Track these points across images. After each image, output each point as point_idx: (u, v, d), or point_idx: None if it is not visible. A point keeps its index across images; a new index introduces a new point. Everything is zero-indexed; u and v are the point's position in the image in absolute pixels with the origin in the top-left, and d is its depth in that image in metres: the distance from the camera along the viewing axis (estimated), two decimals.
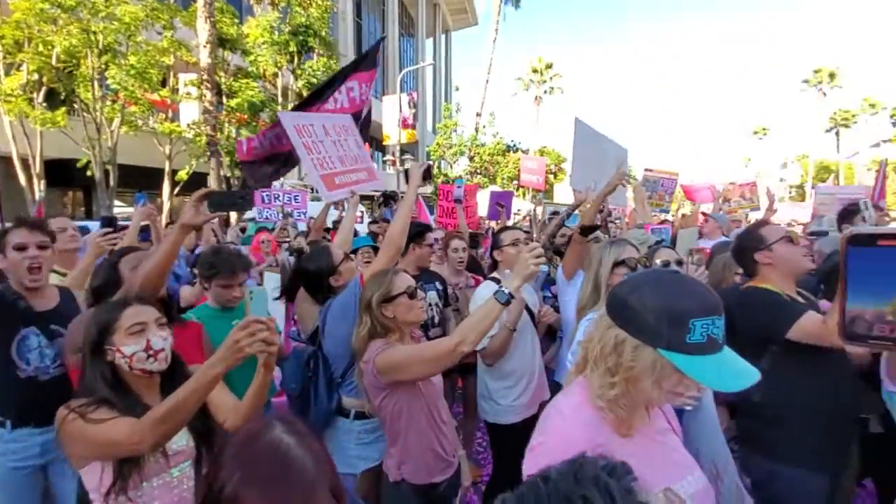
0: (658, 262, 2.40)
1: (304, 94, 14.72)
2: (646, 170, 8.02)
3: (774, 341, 1.85)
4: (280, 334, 2.14)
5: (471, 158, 26.36)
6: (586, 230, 2.76)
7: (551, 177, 29.73)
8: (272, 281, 3.11)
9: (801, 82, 35.72)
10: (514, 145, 31.57)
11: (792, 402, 1.82)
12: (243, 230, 8.00)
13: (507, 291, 1.54)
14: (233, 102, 13.29)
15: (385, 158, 24.81)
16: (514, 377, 2.43)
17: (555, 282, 3.43)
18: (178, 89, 13.64)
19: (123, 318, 1.33)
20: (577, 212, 3.94)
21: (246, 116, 13.59)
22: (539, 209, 8.29)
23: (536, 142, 36.95)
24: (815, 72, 34.37)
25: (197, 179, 13.31)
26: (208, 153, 13.10)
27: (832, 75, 33.77)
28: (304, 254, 2.54)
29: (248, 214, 10.32)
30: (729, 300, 2.01)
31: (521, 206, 13.64)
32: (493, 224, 7.21)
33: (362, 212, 13.29)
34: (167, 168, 13.46)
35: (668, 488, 0.89)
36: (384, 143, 25.66)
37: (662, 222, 5.90)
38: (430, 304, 2.92)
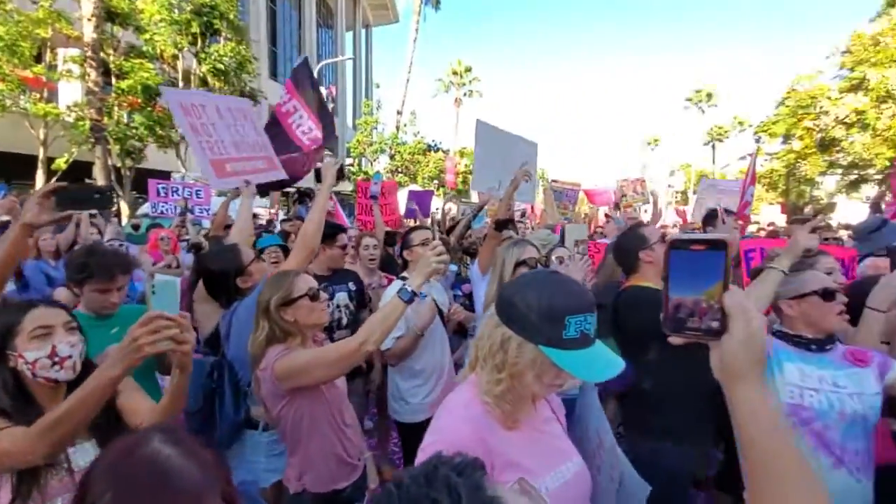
0: (554, 258, 2.60)
1: (210, 79, 13.65)
2: (552, 181, 8.65)
3: (660, 335, 2.11)
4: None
5: (391, 157, 26.22)
6: (501, 225, 2.89)
7: (471, 177, 30.40)
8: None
9: (685, 100, 40.41)
10: (436, 145, 31.90)
11: (672, 388, 2.02)
12: (135, 227, 7.25)
13: (409, 289, 1.55)
14: (123, 84, 11.94)
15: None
16: (423, 376, 2.46)
17: (466, 280, 3.56)
18: (56, 66, 11.97)
19: (26, 321, 1.21)
20: (481, 213, 4.06)
21: (140, 100, 12.27)
22: (450, 206, 8.55)
23: (457, 143, 37.60)
24: (696, 91, 39.10)
25: (79, 169, 11.80)
26: (92, 139, 11.65)
27: (709, 95, 38.70)
28: (201, 250, 2.38)
29: (143, 209, 9.32)
30: (617, 299, 2.19)
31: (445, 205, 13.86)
32: (411, 223, 7.28)
33: (277, 210, 12.66)
34: (41, 155, 11.75)
35: (522, 478, 0.98)
36: None
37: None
38: (337, 306, 2.89)
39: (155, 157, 13.81)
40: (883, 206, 4.51)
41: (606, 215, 6.48)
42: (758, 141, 20.20)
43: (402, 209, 7.98)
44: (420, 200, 8.07)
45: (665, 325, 0.71)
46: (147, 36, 12.70)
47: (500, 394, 1.03)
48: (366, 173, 23.20)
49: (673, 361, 2.03)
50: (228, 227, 3.77)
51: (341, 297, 2.93)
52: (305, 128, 3.86)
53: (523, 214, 8.69)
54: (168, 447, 0.71)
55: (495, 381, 1.03)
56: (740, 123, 33.96)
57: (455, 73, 38.50)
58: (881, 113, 15.04)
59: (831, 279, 2.12)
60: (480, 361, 1.08)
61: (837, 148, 15.62)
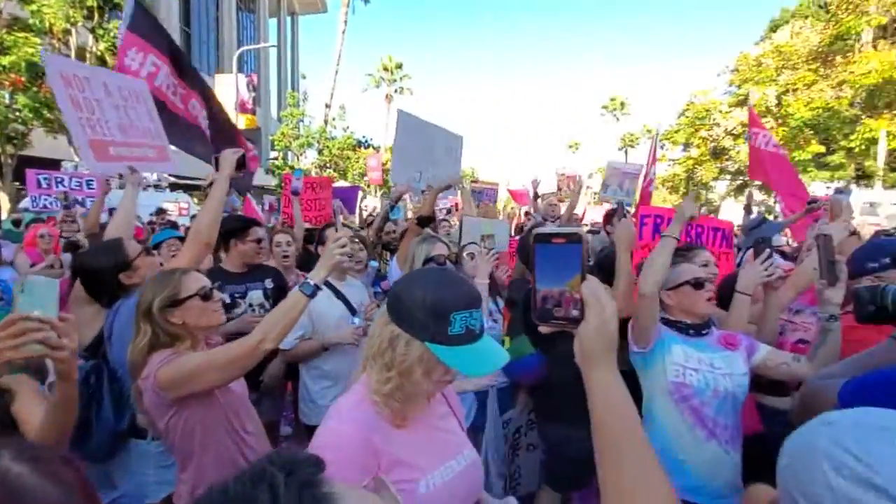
0: (465, 255, 2.69)
1: (109, 58, 12.35)
2: (472, 181, 8.87)
3: None
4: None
5: (319, 151, 25.35)
6: (423, 221, 2.91)
7: None
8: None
9: (601, 108, 43.29)
10: (366, 141, 31.35)
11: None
12: (17, 223, 6.41)
13: (312, 283, 1.50)
14: (5, 60, 10.48)
15: None
16: (333, 377, 2.41)
17: (385, 277, 3.57)
18: None
19: None
20: (399, 205, 4.05)
21: (24, 79, 10.83)
22: (367, 203, 8.53)
23: (389, 139, 37.11)
24: (612, 100, 42.03)
25: None
26: None
27: (623, 104, 41.78)
28: (79, 248, 2.18)
29: (23, 203, 8.23)
30: (526, 296, 2.22)
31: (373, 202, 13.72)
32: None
33: (188, 203, 11.76)
34: None
35: (378, 477, 0.97)
36: None
37: None
38: (251, 305, 2.77)
39: (42, 144, 12.27)
40: (753, 209, 5.15)
41: (527, 213, 6.70)
42: (662, 147, 22.23)
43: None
44: (345, 197, 7.93)
45: (534, 316, 0.74)
46: (34, 7, 11.23)
47: (389, 392, 1.03)
48: (291, 167, 22.26)
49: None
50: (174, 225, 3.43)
51: (255, 295, 2.79)
52: (173, 88, 3.48)
53: (449, 211, 8.82)
54: (19, 464, 0.64)
55: (384, 379, 1.03)
56: (648, 131, 37.08)
57: (386, 68, 38.08)
58: (766, 126, 17.07)
59: (706, 271, 2.36)
60: (370, 360, 1.07)
61: (727, 156, 17.56)
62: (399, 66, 38.93)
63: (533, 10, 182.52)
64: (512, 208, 10.68)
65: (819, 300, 1.90)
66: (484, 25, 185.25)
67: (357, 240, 2.96)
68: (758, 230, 4.38)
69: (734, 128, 17.21)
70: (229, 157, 2.17)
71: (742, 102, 17.87)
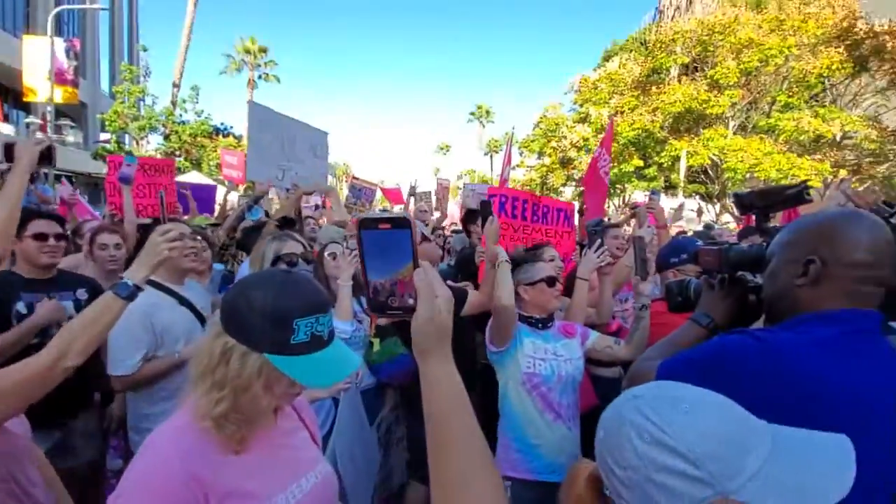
0: (327, 254, 2.63)
1: None
2: (353, 178, 8.63)
3: (458, 324, 2.31)
4: None
5: (166, 137, 22.24)
6: (285, 223, 2.78)
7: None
8: None
9: (469, 114, 45.89)
10: (225, 128, 28.53)
11: None
12: None
13: (130, 283, 1.25)
14: None
15: (29, 120, 18.21)
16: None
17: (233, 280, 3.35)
18: None
19: None
20: (258, 205, 3.83)
21: None
22: (233, 196, 7.85)
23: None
24: (478, 107, 44.75)
25: None
26: None
27: (488, 112, 44.79)
28: None
29: None
30: None
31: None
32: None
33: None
34: None
35: None
36: (26, 100, 18.89)
37: None
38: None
39: None
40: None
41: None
42: (521, 155, 24.50)
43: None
44: (201, 196, 7.06)
45: (369, 307, 0.71)
46: None
47: (222, 414, 0.91)
48: (129, 153, 19.21)
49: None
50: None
51: (67, 306, 2.39)
52: None
53: (317, 207, 8.43)
54: None
55: (215, 400, 0.91)
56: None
57: (248, 51, 35.03)
58: (598, 141, 19.79)
59: (554, 265, 2.57)
60: (197, 380, 0.94)
61: (572, 165, 20.03)
62: (263, 51, 36.15)
63: (406, 10, 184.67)
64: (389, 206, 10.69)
65: (634, 292, 2.21)
66: (361, 21, 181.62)
67: (199, 237, 2.65)
68: (598, 231, 5.17)
69: (577, 141, 19.70)
70: (29, 147, 1.73)
71: (584, 119, 20.51)
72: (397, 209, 10.04)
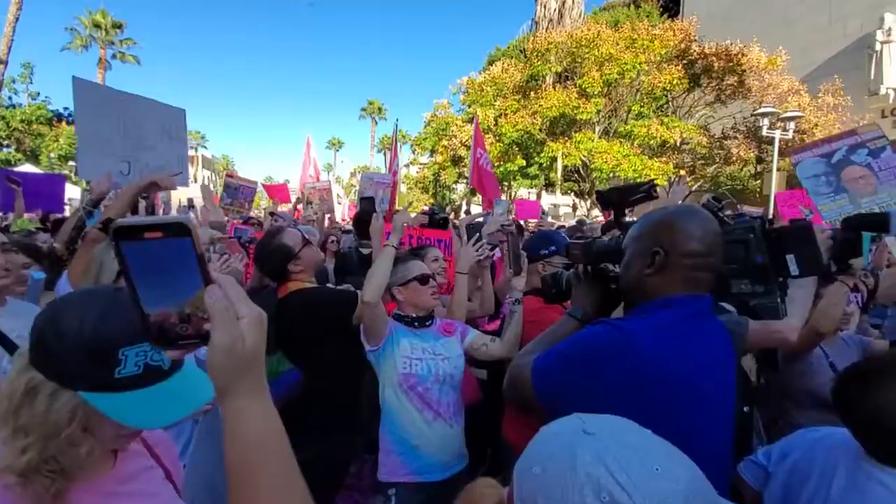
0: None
1: None
2: (227, 175, 7.91)
3: (323, 336, 2.16)
4: None
5: None
6: (110, 226, 2.44)
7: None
8: None
9: (360, 110, 45.10)
10: (70, 114, 24.32)
11: (332, 386, 2.19)
12: None
13: None
14: None
15: None
16: None
17: None
18: None
19: None
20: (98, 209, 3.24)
21: None
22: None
23: None
24: (370, 103, 44.17)
25: None
26: None
27: (380, 109, 44.43)
28: None
29: None
30: (279, 309, 2.07)
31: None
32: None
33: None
34: None
35: None
36: None
37: (246, 222, 5.93)
38: None
39: None
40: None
41: (271, 213, 6.24)
42: (413, 153, 24.84)
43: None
44: (38, 190, 5.96)
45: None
46: None
47: (30, 466, 0.75)
48: None
49: (337, 361, 2.15)
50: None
51: None
52: None
53: (191, 205, 7.56)
54: None
55: (19, 449, 0.75)
56: (403, 136, 40.54)
57: (97, 25, 30.42)
58: (486, 141, 20.79)
59: (437, 265, 2.61)
60: None
61: (463, 163, 20.81)
62: (118, 27, 31.70)
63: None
64: (273, 203, 9.97)
65: (508, 287, 2.31)
66: (245, 6, 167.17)
67: (16, 249, 2.14)
68: (473, 227, 5.44)
69: (467, 140, 20.52)
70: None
71: (471, 119, 21.42)
72: (283, 209, 9.39)
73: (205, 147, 51.90)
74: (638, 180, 17.21)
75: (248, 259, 3.23)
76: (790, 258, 1.07)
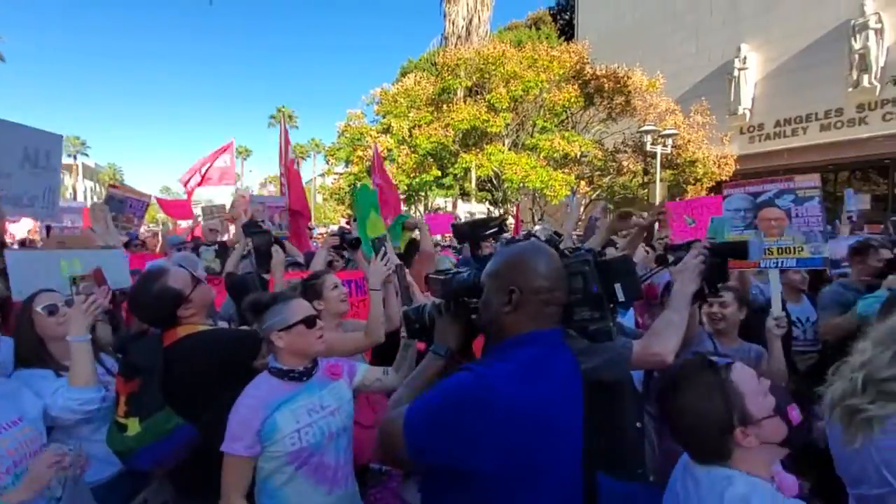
0: (39, 309, 2.07)
1: None
2: (110, 186, 7.06)
3: (218, 381, 1.92)
4: None
5: None
6: None
7: None
8: None
9: (269, 117, 43.17)
10: None
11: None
12: None
13: None
14: None
15: None
16: None
17: None
18: None
19: None
20: None
21: None
22: None
23: None
24: (279, 110, 42.40)
25: None
26: None
27: (291, 116, 42.84)
28: None
29: None
30: (168, 356, 1.84)
31: None
32: None
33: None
34: None
35: None
36: None
37: (127, 245, 5.44)
38: None
39: None
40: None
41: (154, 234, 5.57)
42: (327, 163, 24.26)
43: None
44: None
45: None
46: None
47: None
48: None
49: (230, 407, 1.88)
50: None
51: None
52: None
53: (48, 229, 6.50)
54: None
55: None
56: (316, 145, 39.46)
57: None
58: (401, 152, 20.96)
59: (338, 293, 2.44)
60: None
61: None
62: None
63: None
64: (171, 223, 8.98)
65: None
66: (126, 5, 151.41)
67: None
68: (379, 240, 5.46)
69: (382, 151, 20.53)
70: None
71: (386, 130, 21.47)
72: (184, 225, 8.58)
73: (86, 155, 46.21)
74: (545, 191, 18.41)
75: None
76: (617, 287, 1.19)
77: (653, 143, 15.99)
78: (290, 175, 6.28)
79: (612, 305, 1.21)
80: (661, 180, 16.25)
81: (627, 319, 2.77)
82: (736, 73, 20.24)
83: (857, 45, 16.98)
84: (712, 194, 18.54)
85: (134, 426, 1.76)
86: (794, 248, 2.54)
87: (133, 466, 1.86)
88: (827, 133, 18.23)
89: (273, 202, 5.78)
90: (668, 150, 16.22)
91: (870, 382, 1.28)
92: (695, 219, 4.14)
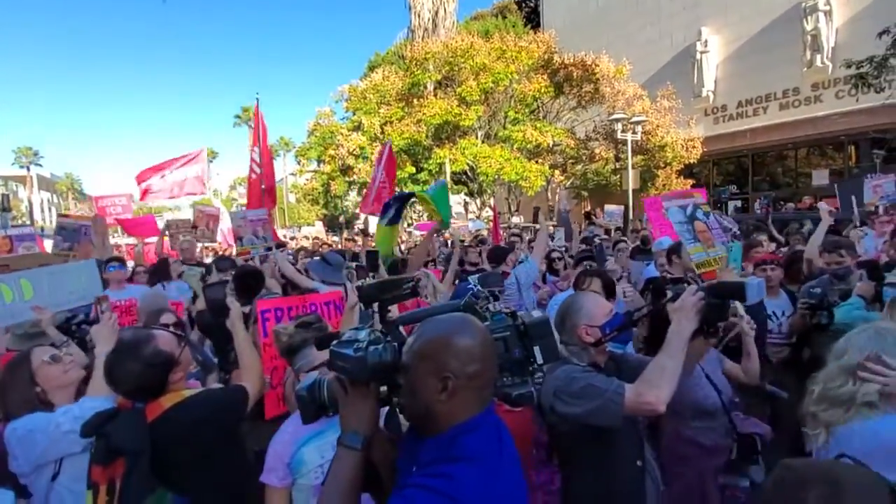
0: (45, 359, 2.01)
1: None
2: (59, 215, 6.60)
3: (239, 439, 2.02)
4: None
5: None
6: None
7: None
8: None
9: (234, 117, 41.88)
10: None
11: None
12: None
13: None
14: None
15: None
16: None
17: None
18: None
19: None
20: None
21: None
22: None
23: None
24: (245, 110, 41.18)
25: None
26: None
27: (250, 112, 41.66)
28: None
29: None
30: (165, 427, 1.69)
31: None
32: None
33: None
34: None
35: None
36: None
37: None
38: None
39: None
40: None
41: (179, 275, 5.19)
42: (298, 163, 23.83)
43: None
44: None
45: None
46: None
47: None
48: None
49: (232, 480, 1.84)
50: None
51: None
52: None
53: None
54: None
55: None
56: (286, 144, 38.57)
57: None
58: (374, 149, 20.73)
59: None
60: None
61: (352, 171, 20.51)
62: None
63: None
64: (138, 241, 8.54)
65: None
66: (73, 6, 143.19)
67: None
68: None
69: (354, 149, 20.26)
70: None
71: (357, 127, 21.18)
72: (151, 241, 8.02)
73: (39, 165, 43.98)
74: (521, 182, 18.58)
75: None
76: (536, 349, 1.13)
77: (623, 131, 16.29)
78: (265, 156, 6.34)
79: (531, 369, 1.13)
80: (632, 167, 16.59)
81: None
82: (698, 56, 20.75)
83: (808, 27, 17.65)
84: (682, 178, 19.14)
85: None
86: (721, 259, 3.24)
87: None
88: (786, 112, 18.96)
89: (254, 216, 5.60)
90: (638, 136, 16.56)
91: (824, 392, 1.57)
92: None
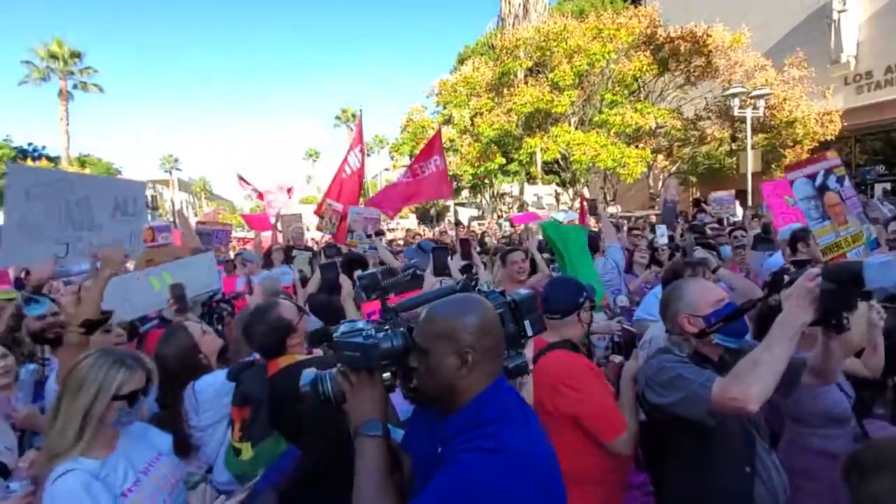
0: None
1: None
2: (198, 222, 7.63)
3: (323, 412, 2.11)
4: None
5: None
6: (91, 326, 2.10)
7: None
8: None
9: (335, 118, 44.63)
10: (35, 150, 23.88)
11: (330, 466, 1.99)
12: None
13: None
14: None
15: None
16: None
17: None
18: None
19: None
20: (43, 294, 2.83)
21: None
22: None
23: (73, 148, 29.22)
24: (343, 111, 43.72)
25: None
26: None
27: (354, 115, 43.88)
28: None
29: None
30: (274, 386, 1.91)
31: None
32: None
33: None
34: None
35: None
36: None
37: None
38: None
39: None
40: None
41: (236, 256, 5.80)
42: (392, 158, 24.73)
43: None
44: None
45: None
46: None
47: None
48: None
49: (338, 440, 1.87)
50: None
51: None
52: None
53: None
54: None
55: None
56: (380, 142, 40.27)
57: (54, 56, 29.68)
58: (464, 141, 20.81)
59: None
60: None
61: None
62: (76, 56, 30.96)
63: (257, 7, 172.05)
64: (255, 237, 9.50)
65: None
66: (201, 16, 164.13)
67: None
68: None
69: (445, 142, 20.50)
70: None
71: (448, 121, 21.40)
72: (265, 236, 8.84)
73: (179, 170, 50.91)
74: (618, 169, 17.43)
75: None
76: (526, 322, 1.21)
77: (741, 107, 14.44)
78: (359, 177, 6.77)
79: (523, 342, 1.23)
80: (752, 147, 14.67)
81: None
82: (836, 15, 17.66)
83: None
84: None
85: (247, 451, 1.92)
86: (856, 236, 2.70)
87: (267, 483, 1.89)
88: None
89: (368, 214, 6.21)
90: (760, 112, 14.57)
91: None
92: (795, 199, 3.74)
